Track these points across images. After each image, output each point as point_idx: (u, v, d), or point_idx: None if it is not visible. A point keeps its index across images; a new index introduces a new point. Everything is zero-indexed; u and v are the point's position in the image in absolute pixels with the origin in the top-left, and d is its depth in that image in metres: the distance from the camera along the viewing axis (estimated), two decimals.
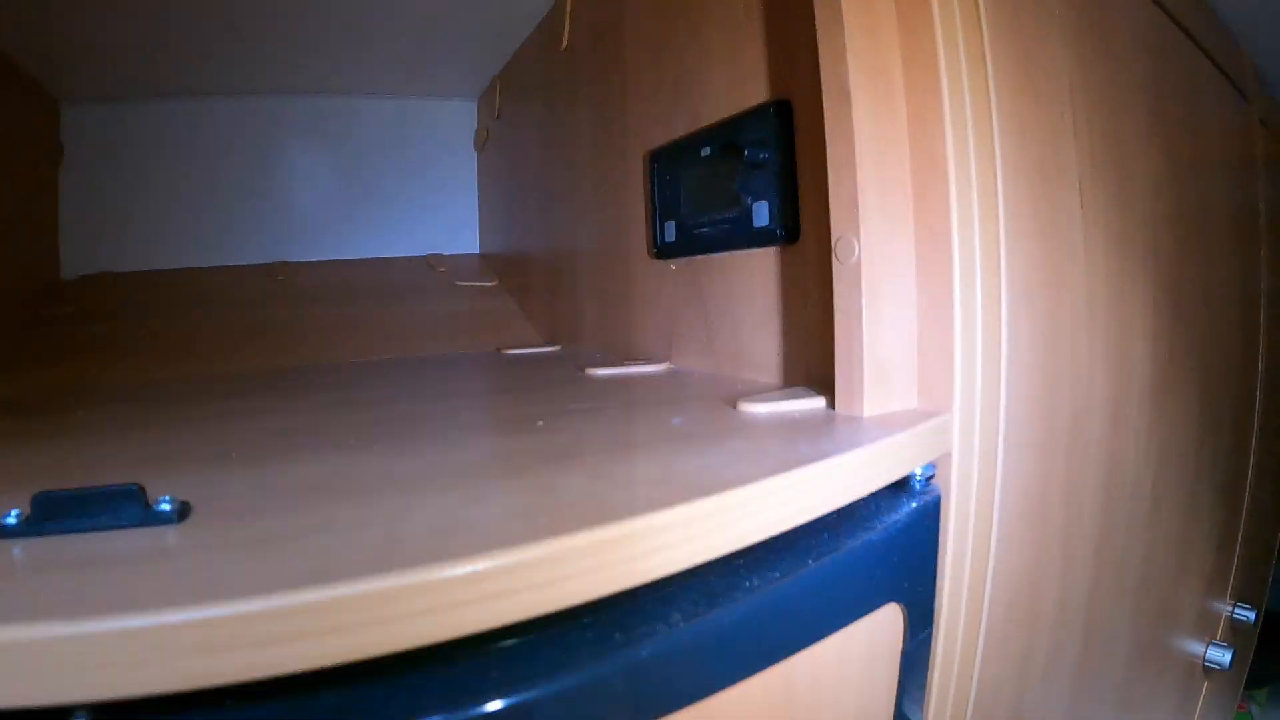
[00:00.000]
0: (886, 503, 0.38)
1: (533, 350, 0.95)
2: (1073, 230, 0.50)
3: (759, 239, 0.55)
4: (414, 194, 1.26)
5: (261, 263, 1.16)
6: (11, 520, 0.25)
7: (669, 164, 0.66)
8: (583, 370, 0.67)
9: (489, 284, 1.20)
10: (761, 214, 0.54)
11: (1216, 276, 0.78)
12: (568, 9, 0.86)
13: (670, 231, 0.66)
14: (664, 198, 0.67)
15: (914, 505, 0.39)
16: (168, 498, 0.26)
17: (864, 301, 0.40)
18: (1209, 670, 0.98)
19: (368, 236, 1.24)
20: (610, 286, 0.82)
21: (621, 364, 0.69)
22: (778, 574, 0.30)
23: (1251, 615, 1.01)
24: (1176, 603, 0.82)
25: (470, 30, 0.98)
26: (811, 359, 0.51)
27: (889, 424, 0.39)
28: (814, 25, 0.47)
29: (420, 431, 0.41)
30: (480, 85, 1.21)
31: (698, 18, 0.61)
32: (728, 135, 0.57)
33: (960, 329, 0.41)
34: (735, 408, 0.44)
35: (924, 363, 0.43)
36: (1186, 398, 0.72)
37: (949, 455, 0.42)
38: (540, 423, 0.41)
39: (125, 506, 0.25)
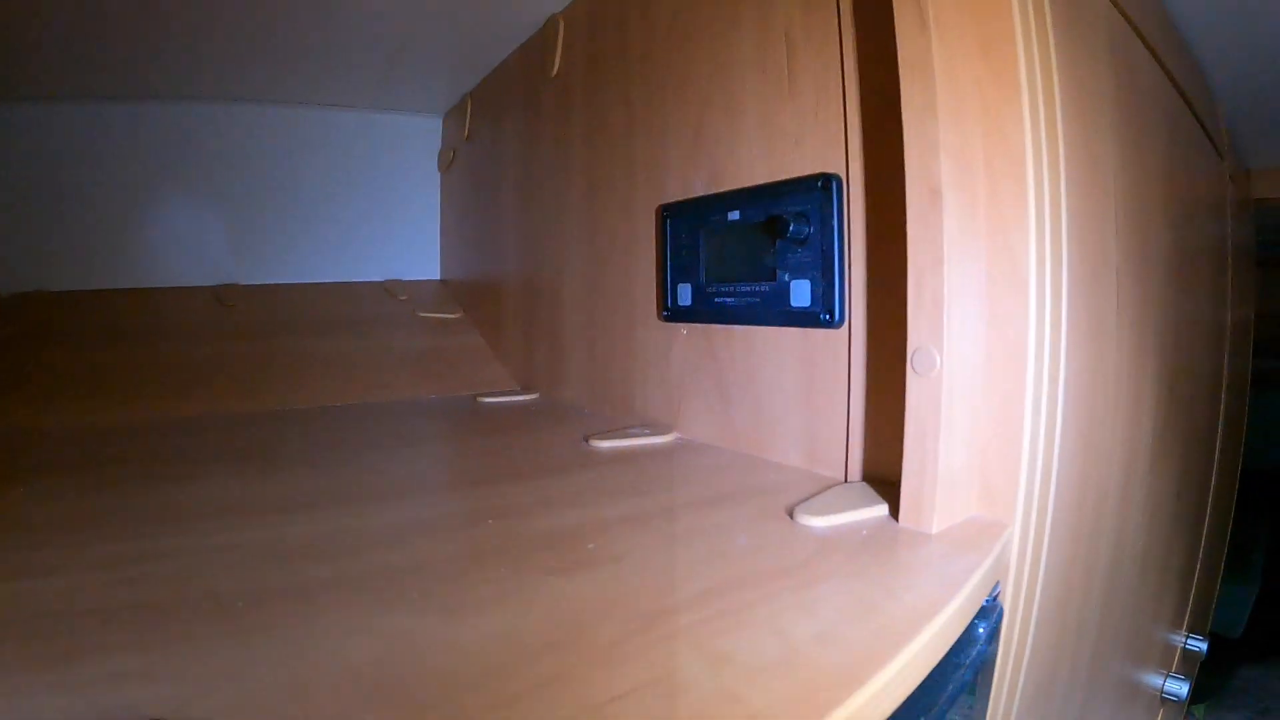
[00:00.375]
0: (966, 635, 0.37)
1: (512, 399, 0.90)
2: (1109, 320, 0.50)
3: (796, 319, 0.53)
4: (373, 213, 1.19)
5: (209, 285, 1.06)
6: None
7: (687, 223, 0.63)
8: (586, 441, 0.64)
9: (454, 316, 1.14)
10: (802, 293, 0.52)
11: (1199, 319, 0.82)
12: (559, 34, 0.82)
13: (685, 295, 0.64)
14: (679, 258, 0.64)
15: (987, 629, 0.38)
16: None
17: (943, 416, 0.38)
18: (1165, 701, 1.03)
19: (323, 258, 1.16)
20: (603, 338, 0.78)
21: (626, 432, 0.66)
22: None
23: (1204, 646, 1.07)
24: (1151, 645, 0.86)
25: (444, 42, 0.92)
26: (852, 450, 0.50)
27: (963, 544, 0.38)
28: (872, 103, 0.46)
29: (428, 581, 0.32)
30: (448, 101, 1.15)
31: (727, 73, 0.59)
32: (762, 203, 0.55)
33: (1028, 437, 0.40)
34: (793, 518, 0.42)
35: (987, 471, 0.42)
36: (1174, 457, 0.75)
37: (1007, 565, 0.41)
38: (591, 546, 0.37)
39: None
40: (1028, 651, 0.43)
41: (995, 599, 0.40)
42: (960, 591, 0.32)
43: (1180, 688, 0.99)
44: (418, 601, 0.29)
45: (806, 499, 0.44)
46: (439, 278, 1.25)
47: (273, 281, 1.11)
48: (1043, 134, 0.38)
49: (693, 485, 0.50)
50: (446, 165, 1.19)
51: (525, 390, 0.96)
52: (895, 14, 0.37)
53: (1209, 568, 1.14)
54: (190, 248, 1.06)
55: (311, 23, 0.82)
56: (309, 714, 0.21)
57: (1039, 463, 0.41)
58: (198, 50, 0.89)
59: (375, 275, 1.19)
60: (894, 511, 0.42)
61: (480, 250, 1.11)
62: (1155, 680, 0.97)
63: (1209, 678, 1.36)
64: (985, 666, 0.39)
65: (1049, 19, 0.39)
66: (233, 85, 1.02)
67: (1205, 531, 1.05)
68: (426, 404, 0.89)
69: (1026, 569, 0.42)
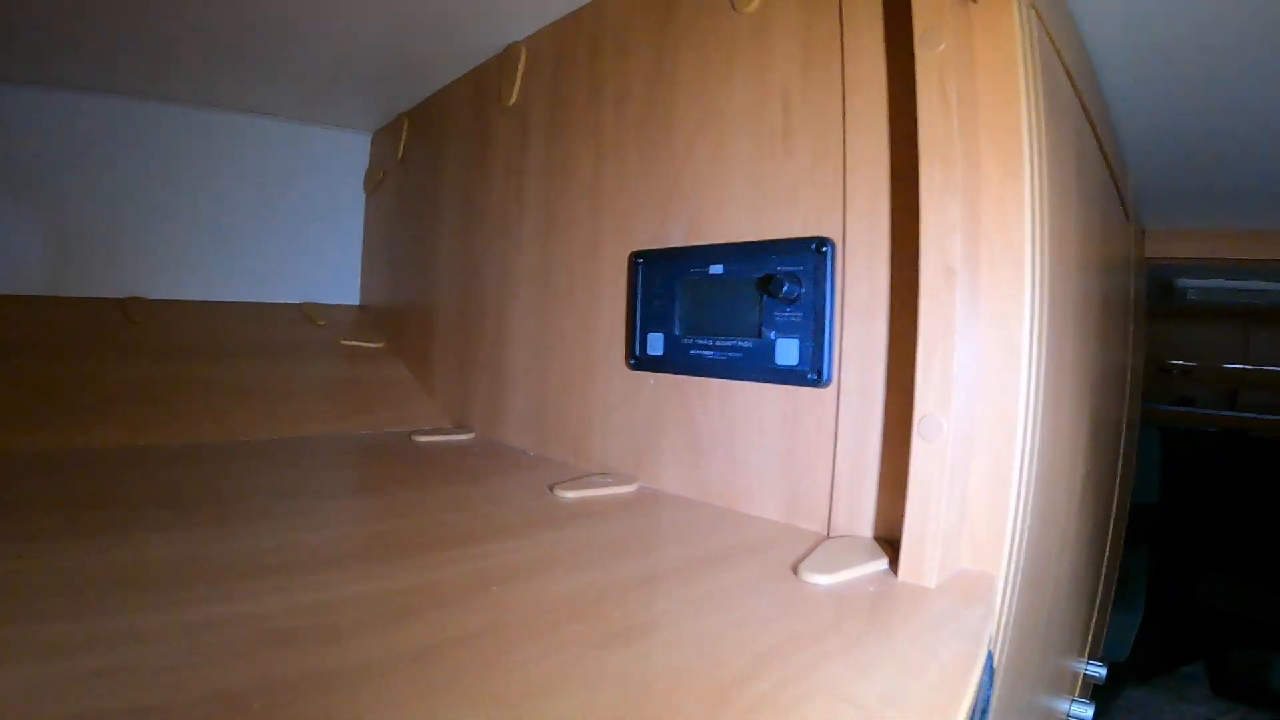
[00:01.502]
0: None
1: (449, 438, 0.88)
2: (1066, 376, 0.56)
3: (781, 376, 0.55)
4: (292, 231, 1.13)
5: (113, 297, 0.98)
6: None
7: (663, 271, 0.65)
8: (551, 490, 0.63)
9: (377, 345, 1.10)
10: (789, 352, 0.54)
11: (1111, 366, 0.91)
12: (520, 63, 0.82)
13: (656, 344, 0.65)
14: (652, 307, 0.65)
15: (989, 674, 0.41)
16: None
17: (946, 480, 0.41)
18: None
19: (236, 274, 1.09)
20: (556, 381, 0.78)
21: (589, 481, 0.66)
22: None
23: (1103, 671, 1.18)
24: (1063, 675, 0.93)
25: (384, 58, 0.90)
26: (836, 505, 0.52)
27: (964, 596, 0.41)
28: (869, 170, 0.49)
29: (466, 663, 0.30)
30: (380, 119, 1.12)
31: (716, 125, 0.61)
32: (751, 260, 0.57)
33: (1015, 495, 0.44)
34: (798, 575, 0.44)
35: (975, 527, 0.45)
36: (1091, 496, 0.83)
37: (992, 611, 0.44)
38: (617, 614, 0.37)
39: None
40: (1002, 692, 0.47)
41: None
42: (982, 643, 0.35)
43: (1086, 711, 1.08)
44: (470, 689, 0.29)
45: (805, 556, 0.46)
46: (358, 303, 1.21)
47: (184, 297, 1.04)
48: (1038, 215, 0.42)
49: (685, 542, 0.51)
50: (374, 186, 1.16)
51: (459, 428, 0.94)
52: (919, 95, 0.40)
53: (1105, 597, 1.25)
54: (93, 254, 0.98)
55: (244, 25, 0.79)
56: None
57: (1020, 517, 0.45)
58: (113, 42, 0.83)
59: (291, 296, 1.14)
60: (892, 565, 0.45)
61: (408, 277, 1.09)
62: (1064, 705, 1.06)
63: (1099, 699, 1.49)
64: (988, 710, 0.42)
65: (1043, 107, 0.44)
66: (151, 81, 0.96)
67: (1104, 564, 1.16)
68: (359, 441, 0.86)
69: (1006, 616, 0.45)
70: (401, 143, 1.08)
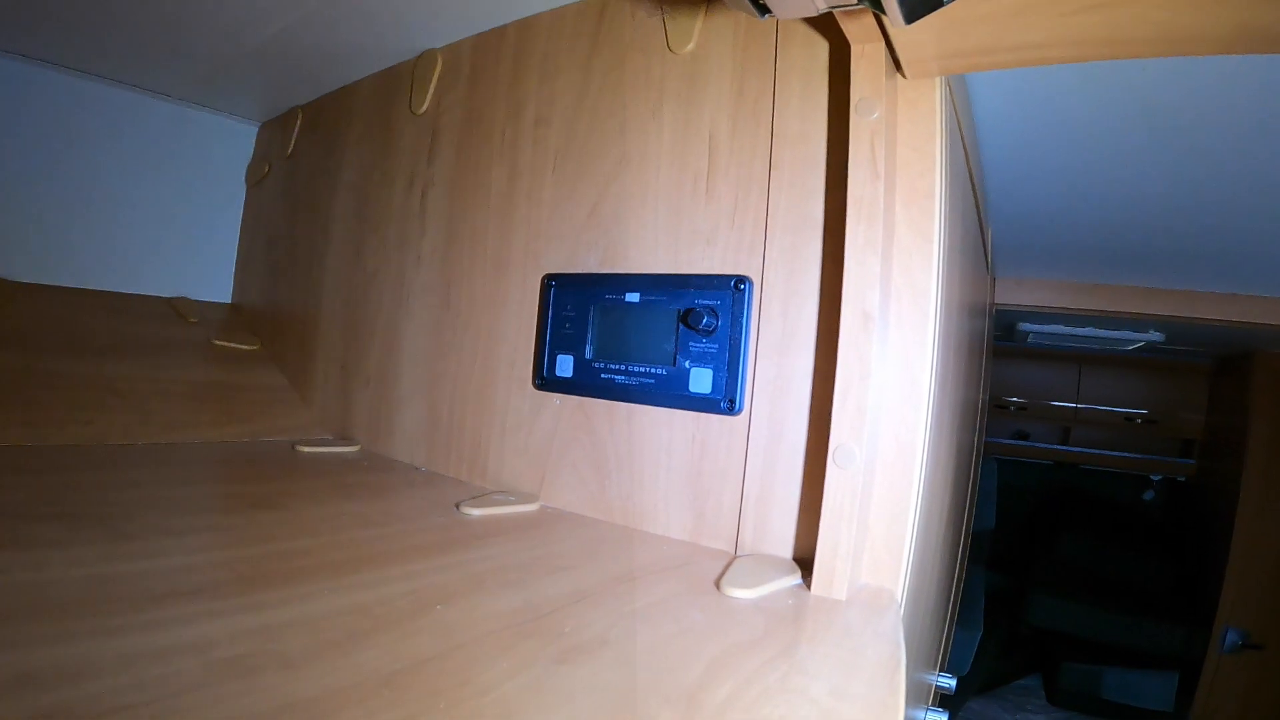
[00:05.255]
0: None
1: (333, 449, 0.87)
2: (945, 410, 0.65)
3: (694, 403, 0.60)
4: (165, 218, 1.07)
5: None
6: None
7: (575, 296, 0.68)
8: (458, 508, 0.65)
9: (251, 348, 1.06)
10: (702, 380, 0.59)
11: (968, 400, 1.04)
12: (436, 71, 0.83)
13: (564, 366, 0.68)
14: (561, 329, 0.69)
15: None
16: None
17: (858, 503, 0.47)
18: None
19: (101, 260, 1.02)
20: (451, 397, 0.80)
21: (491, 498, 0.68)
22: None
23: (952, 683, 1.31)
24: (920, 687, 1.04)
25: (284, 46, 0.87)
26: (744, 525, 0.58)
27: (872, 608, 0.47)
28: (790, 222, 0.56)
29: (441, 681, 0.32)
30: (270, 110, 1.08)
31: (639, 161, 0.65)
32: (668, 291, 0.62)
33: (912, 518, 0.51)
34: (720, 589, 0.48)
35: (874, 546, 0.52)
36: (950, 519, 0.94)
37: (899, 619, 0.51)
38: (568, 629, 0.40)
39: None
40: None
41: None
42: (900, 645, 0.41)
43: (941, 717, 1.21)
44: (451, 712, 0.30)
45: (724, 572, 0.51)
46: (231, 300, 1.15)
47: (43, 281, 0.95)
48: (940, 272, 0.50)
49: (603, 559, 0.54)
50: (258, 180, 1.11)
51: (342, 440, 0.93)
52: (851, 158, 0.47)
53: (953, 615, 1.40)
54: None
55: None
56: None
57: (913, 538, 0.52)
58: None
59: (159, 289, 1.07)
60: (804, 579, 0.50)
61: (289, 279, 1.05)
62: (920, 714, 1.18)
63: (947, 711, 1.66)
64: None
65: (949, 173, 0.51)
66: (24, 38, 0.88)
67: (954, 584, 1.30)
68: (240, 450, 0.82)
69: (909, 623, 0.52)
70: (294, 138, 1.05)
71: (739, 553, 0.58)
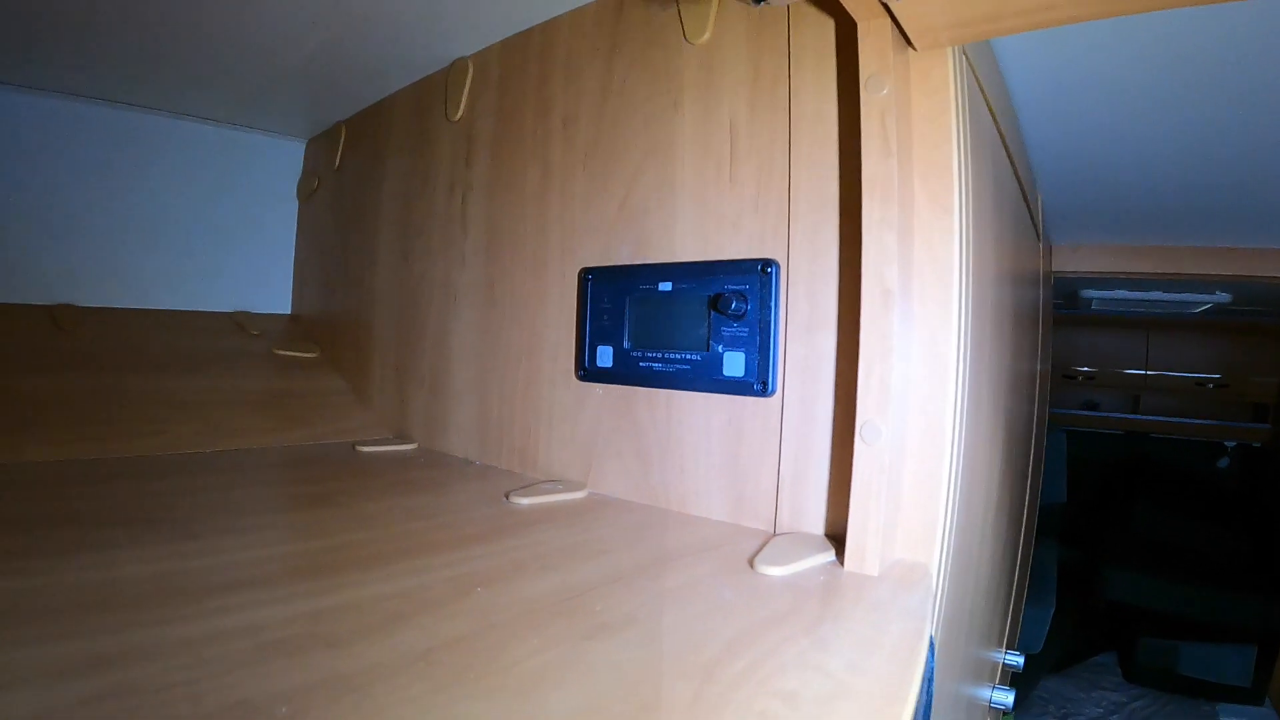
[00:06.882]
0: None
1: (391, 448, 0.91)
2: (983, 379, 0.64)
3: (728, 387, 0.61)
4: (223, 238, 1.13)
5: (40, 304, 0.96)
6: None
7: (612, 288, 0.70)
8: (507, 498, 0.67)
9: (311, 355, 1.11)
10: (735, 364, 0.60)
11: (1022, 371, 1.01)
12: (468, 79, 0.85)
13: (605, 357, 0.70)
14: (600, 321, 0.70)
15: (931, 651, 0.48)
16: None
17: (886, 479, 0.48)
18: (992, 709, 1.23)
19: (166, 281, 1.09)
20: (500, 392, 0.82)
21: (540, 488, 0.70)
22: None
23: (1020, 660, 1.29)
24: (984, 664, 1.03)
25: (323, 65, 0.91)
26: (781, 504, 0.58)
27: (904, 583, 0.47)
28: (812, 203, 0.56)
29: (471, 658, 0.34)
30: (315, 126, 1.13)
31: (664, 151, 0.66)
32: (699, 278, 0.63)
33: (945, 493, 0.51)
34: (754, 568, 0.49)
35: (908, 521, 0.52)
36: (1007, 494, 0.92)
37: (930, 595, 0.51)
38: (599, 608, 0.42)
39: None
40: (939, 669, 0.54)
41: None
42: (925, 621, 0.42)
43: (1007, 696, 1.19)
44: (478, 682, 0.32)
45: (759, 551, 0.52)
46: (290, 312, 1.21)
47: (112, 305, 1.02)
48: (963, 245, 0.49)
49: (643, 542, 0.56)
50: (308, 195, 1.16)
51: (400, 439, 0.96)
52: (863, 136, 0.47)
53: (1020, 591, 1.37)
54: (19, 259, 0.96)
55: (183, 26, 0.79)
56: None
57: (949, 512, 0.52)
58: (38, 36, 0.82)
59: (221, 305, 1.13)
60: (838, 556, 0.51)
61: (343, 288, 1.10)
62: (985, 693, 1.16)
63: (1017, 689, 1.63)
64: (932, 680, 0.49)
65: (969, 145, 0.51)
66: (80, 79, 0.94)
67: (1018, 559, 1.27)
68: (303, 452, 0.87)
69: (939, 600, 0.52)
70: (340, 152, 1.09)
71: (778, 531, 0.59)
